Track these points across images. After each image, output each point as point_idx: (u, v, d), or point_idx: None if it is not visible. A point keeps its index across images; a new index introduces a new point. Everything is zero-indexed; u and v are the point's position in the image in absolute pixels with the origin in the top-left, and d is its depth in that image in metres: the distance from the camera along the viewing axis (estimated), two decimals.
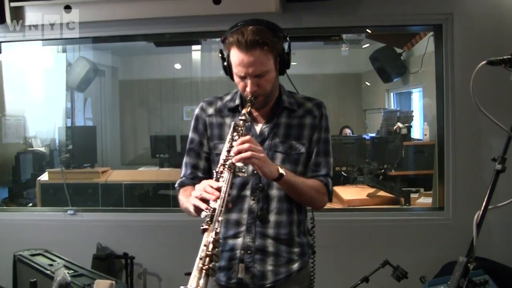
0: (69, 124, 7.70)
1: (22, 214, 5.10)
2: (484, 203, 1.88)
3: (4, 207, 5.65)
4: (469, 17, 4.27)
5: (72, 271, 3.49)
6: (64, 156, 6.05)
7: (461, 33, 4.27)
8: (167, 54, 8.88)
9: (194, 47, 8.08)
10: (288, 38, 2.35)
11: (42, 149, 7.18)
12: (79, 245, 4.58)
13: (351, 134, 8.12)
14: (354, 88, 9.92)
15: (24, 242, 4.31)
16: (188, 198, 2.28)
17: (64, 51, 7.20)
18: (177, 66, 9.15)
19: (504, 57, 1.87)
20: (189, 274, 4.16)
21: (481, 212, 1.87)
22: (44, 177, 5.99)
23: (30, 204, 6.04)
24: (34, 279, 2.78)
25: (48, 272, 3.61)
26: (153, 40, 5.67)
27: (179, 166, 6.82)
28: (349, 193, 5.52)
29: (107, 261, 4.47)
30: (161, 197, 6.07)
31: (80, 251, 4.41)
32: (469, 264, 1.82)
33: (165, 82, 9.55)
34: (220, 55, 2.40)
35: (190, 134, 2.56)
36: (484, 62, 1.86)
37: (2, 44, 5.11)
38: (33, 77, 7.05)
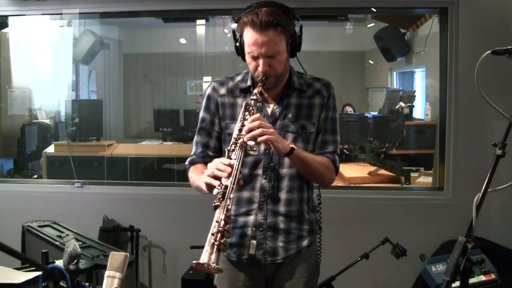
0: (73, 97, 7.76)
1: (29, 186, 5.16)
2: (484, 186, 1.94)
3: (12, 179, 5.72)
4: (475, 1, 4.32)
5: (80, 243, 3.57)
6: (70, 129, 6.11)
7: (466, 16, 4.31)
8: (172, 28, 8.88)
9: (198, 21, 8.07)
10: (300, 22, 2.41)
11: (47, 121, 7.25)
12: (86, 217, 4.65)
13: (352, 112, 8.19)
14: (358, 66, 9.95)
15: (32, 213, 4.40)
16: (199, 176, 2.35)
17: (69, 25, 7.22)
18: (183, 41, 9.16)
19: (508, 47, 1.92)
20: (194, 247, 4.28)
21: (481, 194, 1.94)
22: (50, 149, 6.08)
23: (35, 176, 6.13)
24: (46, 250, 2.85)
25: (57, 243, 3.69)
26: (161, 16, 5.69)
27: (182, 140, 6.92)
28: (351, 171, 5.60)
29: (113, 234, 4.55)
30: (165, 171, 6.16)
31: (87, 223, 4.49)
32: (467, 244, 1.90)
33: (169, 56, 9.57)
34: (232, 35, 2.46)
35: (202, 114, 2.60)
36: (489, 52, 1.93)
37: (10, 17, 5.14)
38: (40, 50, 7.09)
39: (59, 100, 7.60)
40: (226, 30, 7.88)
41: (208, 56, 9.26)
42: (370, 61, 9.58)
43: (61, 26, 7.08)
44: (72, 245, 3.08)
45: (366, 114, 7.53)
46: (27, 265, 3.13)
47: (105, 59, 8.83)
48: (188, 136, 7.38)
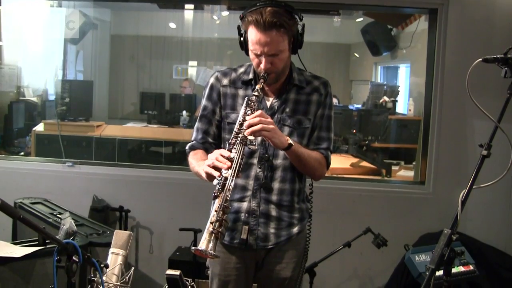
0: (60, 76, 7.78)
1: (20, 163, 5.20)
2: (469, 183, 2.05)
3: (3, 155, 5.74)
4: (464, 4, 4.44)
5: (73, 221, 3.66)
6: (60, 108, 6.16)
7: (454, 18, 4.44)
8: (160, 12, 8.86)
9: (187, 6, 8.10)
10: (303, 20, 2.52)
11: (34, 99, 7.26)
12: (76, 196, 4.72)
13: (337, 104, 8.28)
14: (343, 58, 9.99)
15: (22, 190, 4.49)
16: (199, 162, 2.48)
17: (60, 5, 7.21)
18: (172, 25, 9.16)
19: (498, 55, 2.05)
20: (183, 229, 4.39)
21: (466, 190, 2.06)
22: (39, 127, 6.12)
23: (22, 153, 6.16)
24: (43, 226, 2.94)
25: (50, 220, 3.78)
26: (155, 2, 5.74)
27: (167, 123, 7.01)
28: (333, 161, 5.63)
29: (103, 213, 4.64)
30: (153, 153, 6.25)
31: (77, 202, 4.59)
32: (452, 236, 2.03)
33: (156, 39, 9.55)
34: (237, 30, 2.55)
35: (204, 102, 2.70)
36: (480, 59, 2.04)
37: None
38: (30, 28, 7.09)
39: (46, 79, 7.62)
40: (215, 17, 7.91)
41: (195, 41, 9.28)
42: (356, 54, 9.66)
43: (51, 6, 7.09)
44: (69, 223, 3.15)
45: (350, 107, 7.63)
46: (23, 240, 3.24)
47: (92, 39, 8.81)
48: (173, 119, 7.46)
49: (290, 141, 2.42)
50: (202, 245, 2.09)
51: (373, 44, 7.55)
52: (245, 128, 2.29)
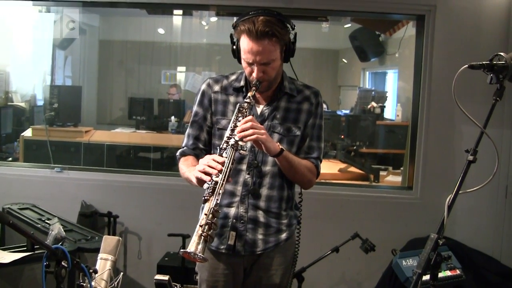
0: (48, 82, 7.76)
1: (8, 168, 5.16)
2: (455, 188, 2.07)
3: None
4: (451, 10, 4.49)
5: (62, 226, 3.65)
6: (49, 114, 6.15)
7: (442, 25, 4.49)
8: (148, 17, 8.86)
9: (175, 11, 8.09)
10: (295, 29, 2.53)
11: (22, 104, 7.23)
12: (64, 201, 4.71)
13: (326, 109, 8.30)
14: (331, 64, 10.06)
15: (10, 196, 4.47)
16: (189, 168, 2.49)
17: (48, 10, 7.20)
18: (161, 31, 9.16)
19: (484, 62, 2.07)
20: (172, 235, 4.39)
21: (452, 195, 2.07)
22: (28, 133, 6.11)
23: (10, 159, 6.13)
24: (32, 232, 2.93)
25: (38, 226, 3.76)
26: (142, 8, 5.73)
27: (155, 129, 6.99)
28: (321, 167, 5.74)
29: (92, 219, 4.63)
30: (141, 159, 6.24)
31: (65, 207, 4.57)
32: (439, 240, 2.05)
33: (144, 44, 9.56)
34: (230, 39, 2.56)
35: (195, 108, 2.71)
36: (466, 66, 2.06)
37: None
38: (18, 33, 7.08)
39: (34, 84, 7.60)
40: (203, 23, 7.91)
41: (183, 47, 9.29)
42: (344, 60, 9.71)
43: (39, 11, 7.07)
44: (57, 228, 3.13)
45: (339, 112, 7.66)
46: (11, 246, 3.22)
47: (81, 44, 8.79)
48: (161, 125, 7.47)
49: (281, 146, 2.45)
50: (191, 247, 2.08)
51: (361, 50, 7.59)
52: (236, 134, 2.30)
